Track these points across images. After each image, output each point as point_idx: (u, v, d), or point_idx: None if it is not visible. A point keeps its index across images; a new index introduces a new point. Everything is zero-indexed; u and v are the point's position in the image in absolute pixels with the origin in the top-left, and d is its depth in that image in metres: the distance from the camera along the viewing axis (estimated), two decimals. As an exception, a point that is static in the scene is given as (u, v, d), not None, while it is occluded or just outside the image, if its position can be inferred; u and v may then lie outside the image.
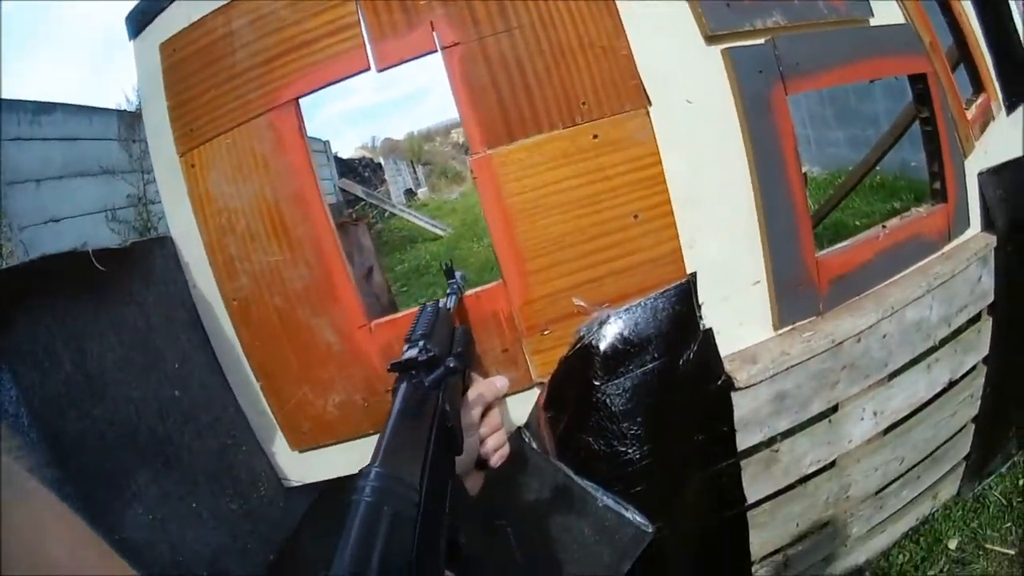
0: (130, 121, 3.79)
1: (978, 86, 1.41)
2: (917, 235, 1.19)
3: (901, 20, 1.22)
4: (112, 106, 3.93)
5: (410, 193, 13.16)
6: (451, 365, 0.52)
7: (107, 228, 3.27)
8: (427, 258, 6.47)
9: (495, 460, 0.64)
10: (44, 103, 3.17)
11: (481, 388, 0.66)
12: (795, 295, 1.06)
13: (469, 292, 0.96)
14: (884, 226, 1.17)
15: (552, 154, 0.93)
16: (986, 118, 1.37)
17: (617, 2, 0.96)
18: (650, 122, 0.95)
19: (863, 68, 1.12)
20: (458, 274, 0.96)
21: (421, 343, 0.58)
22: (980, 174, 1.32)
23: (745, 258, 1.02)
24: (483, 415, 0.65)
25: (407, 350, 0.57)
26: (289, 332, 1.01)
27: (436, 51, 0.95)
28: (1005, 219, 1.33)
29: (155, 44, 1.07)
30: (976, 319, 1.35)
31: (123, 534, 0.95)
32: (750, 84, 1.00)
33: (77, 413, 0.91)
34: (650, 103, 0.95)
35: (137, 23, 1.10)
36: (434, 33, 0.95)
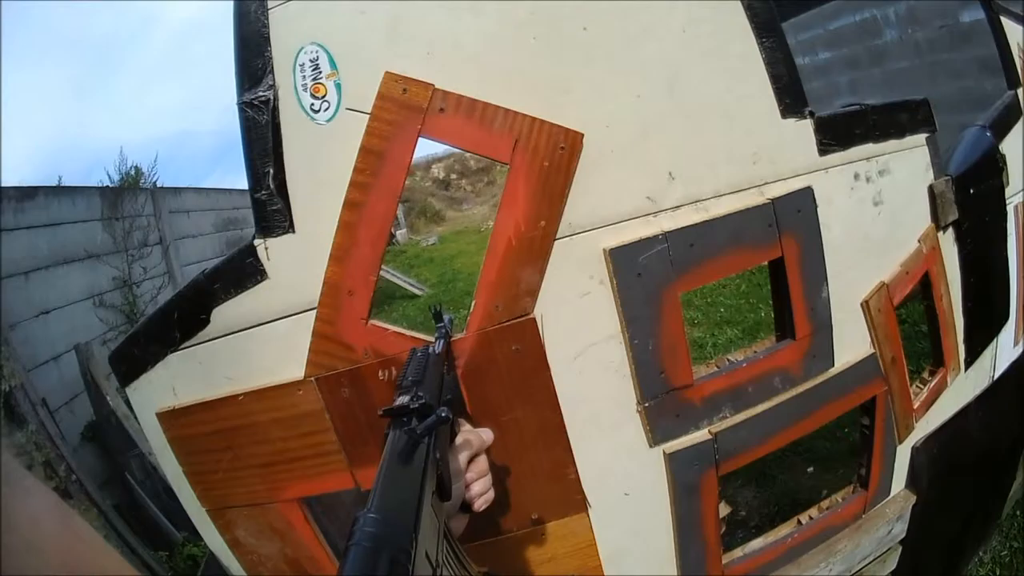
0: (112, 199, 3.67)
1: (939, 360, 1.44)
2: (830, 526, 1.40)
3: (866, 351, 1.26)
4: (94, 184, 3.72)
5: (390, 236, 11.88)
6: (443, 415, 0.54)
7: (95, 316, 3.27)
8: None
9: (479, 504, 0.68)
10: (25, 188, 3.02)
11: (469, 436, 0.70)
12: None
13: None
14: (800, 521, 1.38)
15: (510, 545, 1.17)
16: (936, 396, 1.44)
17: (567, 427, 1.09)
18: (589, 520, 1.15)
19: (799, 428, 1.22)
20: (446, 317, 0.96)
21: (413, 390, 0.61)
22: (914, 447, 1.45)
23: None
24: (469, 461, 0.69)
25: (398, 396, 0.60)
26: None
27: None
28: (930, 475, 1.48)
29: (151, 410, 1.14)
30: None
31: None
32: (684, 476, 1.16)
33: None
34: (590, 506, 1.14)
35: (123, 374, 1.15)
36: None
